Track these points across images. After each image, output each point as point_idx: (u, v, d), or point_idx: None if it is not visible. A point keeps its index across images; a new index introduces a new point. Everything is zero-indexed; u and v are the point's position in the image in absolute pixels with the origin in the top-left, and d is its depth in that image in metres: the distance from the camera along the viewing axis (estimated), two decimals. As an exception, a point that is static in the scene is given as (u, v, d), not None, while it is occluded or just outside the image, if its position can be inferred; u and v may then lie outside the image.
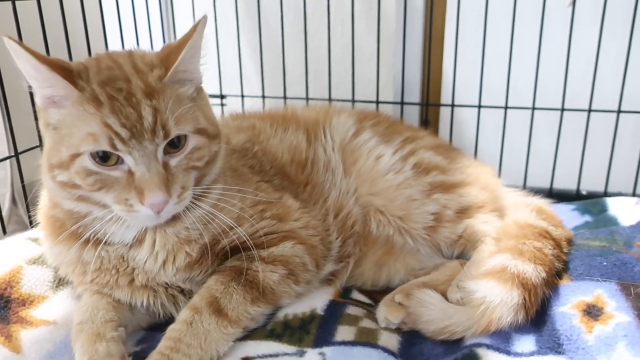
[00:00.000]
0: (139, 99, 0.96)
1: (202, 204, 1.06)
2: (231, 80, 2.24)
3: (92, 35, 1.61)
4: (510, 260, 1.15)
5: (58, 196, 1.05)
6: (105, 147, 0.94)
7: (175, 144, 1.00)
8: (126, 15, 1.86)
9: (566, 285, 1.17)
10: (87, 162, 0.96)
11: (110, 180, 0.97)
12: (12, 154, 1.43)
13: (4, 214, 1.71)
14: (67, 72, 0.97)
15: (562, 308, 1.11)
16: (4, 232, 1.40)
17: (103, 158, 0.96)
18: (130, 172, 0.97)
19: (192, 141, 1.02)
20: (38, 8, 1.40)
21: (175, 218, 1.07)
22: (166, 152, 0.99)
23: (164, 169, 0.98)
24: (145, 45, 1.91)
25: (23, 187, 1.41)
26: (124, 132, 0.94)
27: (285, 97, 2.15)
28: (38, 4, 1.40)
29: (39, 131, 1.42)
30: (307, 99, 2.12)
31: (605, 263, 1.19)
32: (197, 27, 1.01)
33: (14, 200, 1.77)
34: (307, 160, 1.37)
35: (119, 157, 0.96)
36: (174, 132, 0.98)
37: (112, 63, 1.02)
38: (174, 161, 1.00)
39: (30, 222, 1.40)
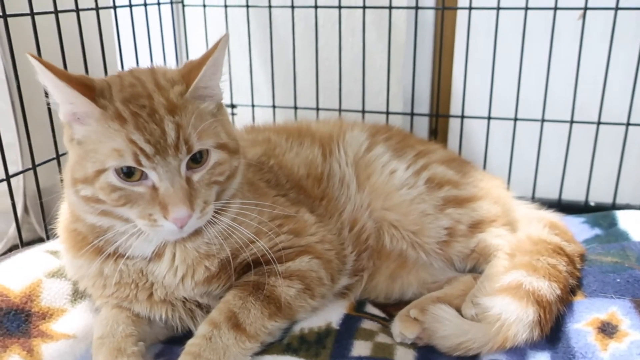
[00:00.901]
0: (162, 115, 0.97)
1: (222, 218, 1.08)
2: (242, 89, 2.25)
3: (107, 51, 1.63)
4: (525, 277, 1.16)
5: (81, 210, 1.07)
6: (130, 162, 0.95)
7: (197, 160, 1.01)
8: (140, 29, 1.87)
9: (580, 302, 1.18)
10: (111, 177, 0.97)
11: (134, 196, 0.98)
12: (29, 166, 1.44)
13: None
14: (89, 89, 0.98)
15: (577, 325, 1.12)
16: (22, 244, 1.41)
17: (127, 174, 0.97)
18: (154, 188, 0.98)
19: (214, 156, 1.04)
20: (56, 24, 1.41)
21: (195, 232, 1.08)
22: (188, 167, 1.00)
23: (187, 184, 0.99)
24: (158, 60, 1.93)
25: (41, 203, 1.43)
26: (148, 148, 0.95)
27: (295, 107, 2.16)
28: (56, 20, 1.41)
29: (55, 144, 1.45)
30: (317, 109, 2.13)
31: (618, 280, 1.20)
32: (219, 45, 1.02)
33: (25, 209, 1.79)
34: (322, 175, 1.38)
35: (142, 172, 0.97)
36: (196, 147, 1.00)
37: (134, 80, 1.03)
38: (196, 176, 1.01)
39: (47, 235, 1.42)
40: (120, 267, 1.09)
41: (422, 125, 2.25)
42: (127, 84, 1.02)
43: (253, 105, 2.24)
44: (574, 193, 2.00)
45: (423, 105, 2.27)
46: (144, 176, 0.98)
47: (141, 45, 1.90)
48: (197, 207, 1.00)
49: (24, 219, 1.79)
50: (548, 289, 1.13)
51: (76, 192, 1.02)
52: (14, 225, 1.46)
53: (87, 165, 0.98)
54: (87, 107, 0.97)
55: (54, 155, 1.48)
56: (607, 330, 1.08)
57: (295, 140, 1.42)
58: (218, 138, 1.05)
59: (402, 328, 1.18)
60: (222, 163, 1.05)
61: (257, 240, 1.12)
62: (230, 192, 1.12)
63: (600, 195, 1.98)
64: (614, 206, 1.91)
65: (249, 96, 2.23)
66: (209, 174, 1.03)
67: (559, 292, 1.15)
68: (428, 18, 2.17)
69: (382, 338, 1.16)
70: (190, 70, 1.05)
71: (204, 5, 2.20)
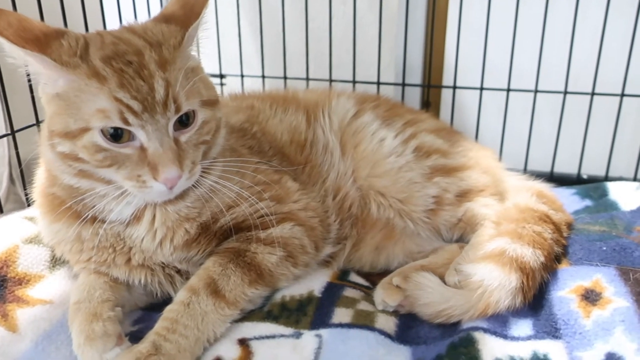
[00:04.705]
0: (152, 70, 0.94)
1: (206, 179, 1.06)
2: (231, 59, 2.22)
3: (90, 17, 1.59)
4: (509, 244, 1.14)
5: (57, 169, 1.02)
6: (117, 122, 0.92)
7: (184, 122, 0.99)
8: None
9: (565, 269, 1.17)
10: (97, 137, 0.93)
11: (121, 157, 0.96)
12: (9, 132, 1.41)
13: (1, 193, 1.70)
14: (42, 45, 0.92)
15: (560, 292, 1.10)
16: (1, 211, 1.39)
17: (114, 136, 0.94)
18: (142, 148, 0.95)
19: (201, 115, 1.02)
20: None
21: (178, 195, 1.06)
22: (175, 128, 0.98)
23: (175, 145, 0.97)
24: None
25: (19, 165, 1.40)
26: (136, 105, 0.92)
27: (285, 78, 2.13)
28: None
29: (35, 109, 1.42)
30: (308, 79, 2.10)
31: (604, 248, 1.19)
32: None
33: (11, 179, 1.76)
34: (306, 141, 1.35)
35: (130, 134, 0.94)
36: (184, 107, 0.97)
37: (115, 39, 0.98)
38: (184, 137, 0.99)
39: (27, 201, 1.40)
40: (98, 231, 1.06)
41: (414, 96, 2.21)
42: (108, 42, 0.97)
43: (242, 76, 2.20)
44: (566, 166, 1.98)
45: (415, 75, 2.23)
46: (131, 137, 0.95)
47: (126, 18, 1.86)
48: (185, 167, 0.98)
49: (10, 189, 1.76)
50: (532, 256, 1.12)
51: (52, 146, 0.97)
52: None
53: (69, 120, 0.94)
54: (51, 69, 0.93)
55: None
56: (591, 297, 1.07)
57: (280, 107, 1.40)
58: (201, 95, 1.02)
59: (384, 296, 1.16)
60: (209, 121, 1.04)
61: (239, 205, 1.10)
62: (216, 149, 1.10)
63: (594, 168, 1.96)
64: (607, 179, 1.89)
65: (238, 66, 2.19)
66: (197, 134, 1.02)
67: (543, 259, 1.13)
68: (421, -14, 2.13)
69: (363, 305, 1.15)
70: (184, 22, 1.02)
71: (192, -27, 2.15)
